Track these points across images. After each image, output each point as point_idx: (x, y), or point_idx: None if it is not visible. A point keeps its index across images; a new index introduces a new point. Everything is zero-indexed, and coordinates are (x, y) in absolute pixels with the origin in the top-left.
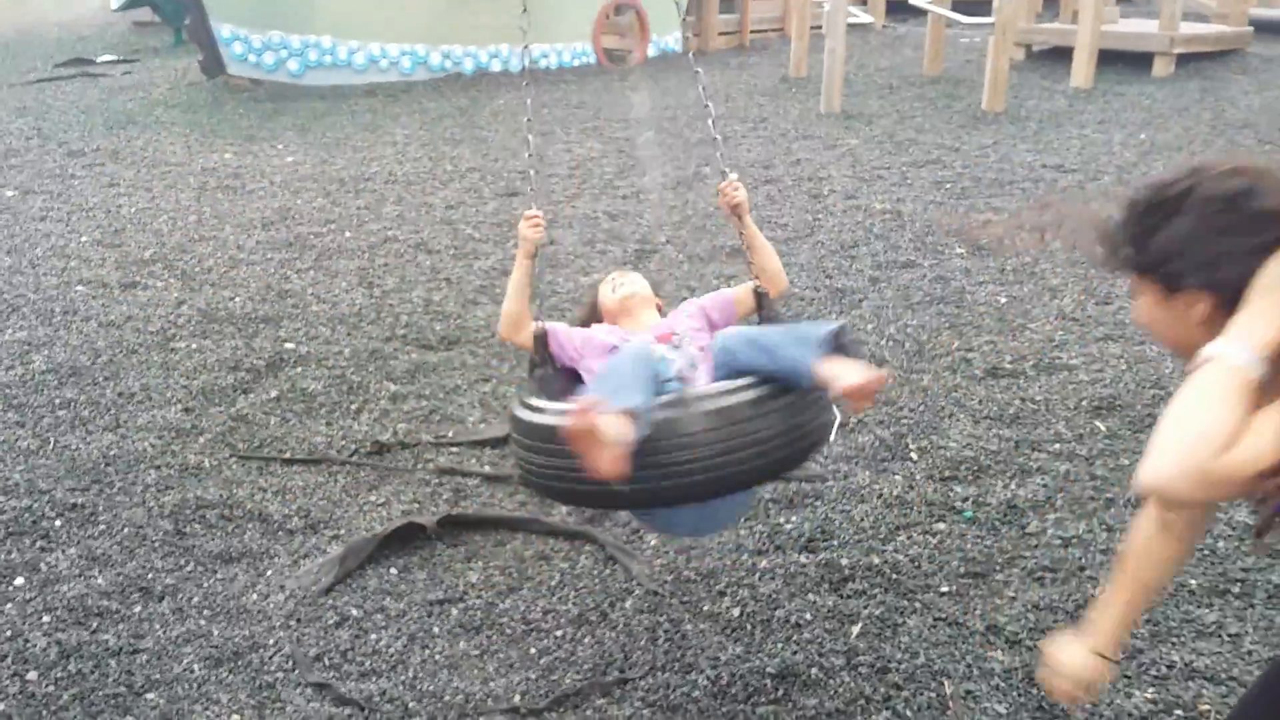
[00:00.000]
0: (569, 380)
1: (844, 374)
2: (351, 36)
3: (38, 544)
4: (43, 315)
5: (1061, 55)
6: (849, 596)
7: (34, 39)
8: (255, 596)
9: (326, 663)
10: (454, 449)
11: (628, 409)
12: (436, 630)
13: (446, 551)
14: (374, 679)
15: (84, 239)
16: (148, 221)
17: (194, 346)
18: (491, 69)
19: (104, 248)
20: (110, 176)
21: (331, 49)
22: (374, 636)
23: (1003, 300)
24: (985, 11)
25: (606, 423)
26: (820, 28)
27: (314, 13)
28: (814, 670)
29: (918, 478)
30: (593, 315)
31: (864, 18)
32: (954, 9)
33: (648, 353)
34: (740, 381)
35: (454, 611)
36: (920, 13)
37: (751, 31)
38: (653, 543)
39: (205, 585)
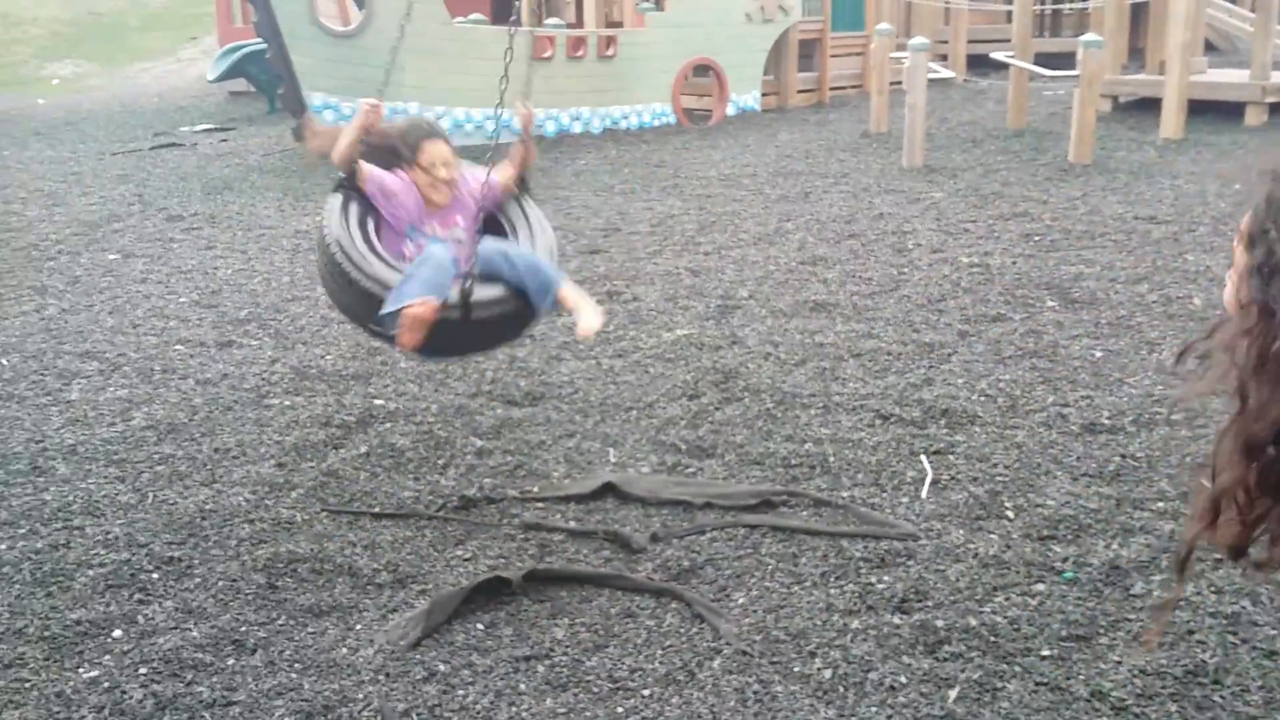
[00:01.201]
0: (365, 205)
1: (585, 310)
2: (436, 102)
3: (135, 596)
4: (143, 373)
5: (1149, 106)
6: (945, 659)
7: (134, 110)
8: (345, 650)
9: (415, 717)
10: (539, 504)
11: (436, 303)
12: (523, 687)
13: (532, 607)
14: None
15: (182, 300)
16: (243, 283)
17: (287, 403)
18: (573, 131)
19: (201, 308)
20: (207, 240)
21: (418, 115)
22: (461, 692)
23: (1098, 354)
24: (1069, 64)
25: (422, 312)
26: (900, 83)
27: (400, 80)
28: None
29: (1014, 536)
30: (391, 147)
31: (944, 73)
32: (1036, 62)
33: (448, 260)
34: (498, 294)
35: (540, 668)
36: (1002, 67)
37: (831, 88)
38: (740, 601)
39: (296, 639)
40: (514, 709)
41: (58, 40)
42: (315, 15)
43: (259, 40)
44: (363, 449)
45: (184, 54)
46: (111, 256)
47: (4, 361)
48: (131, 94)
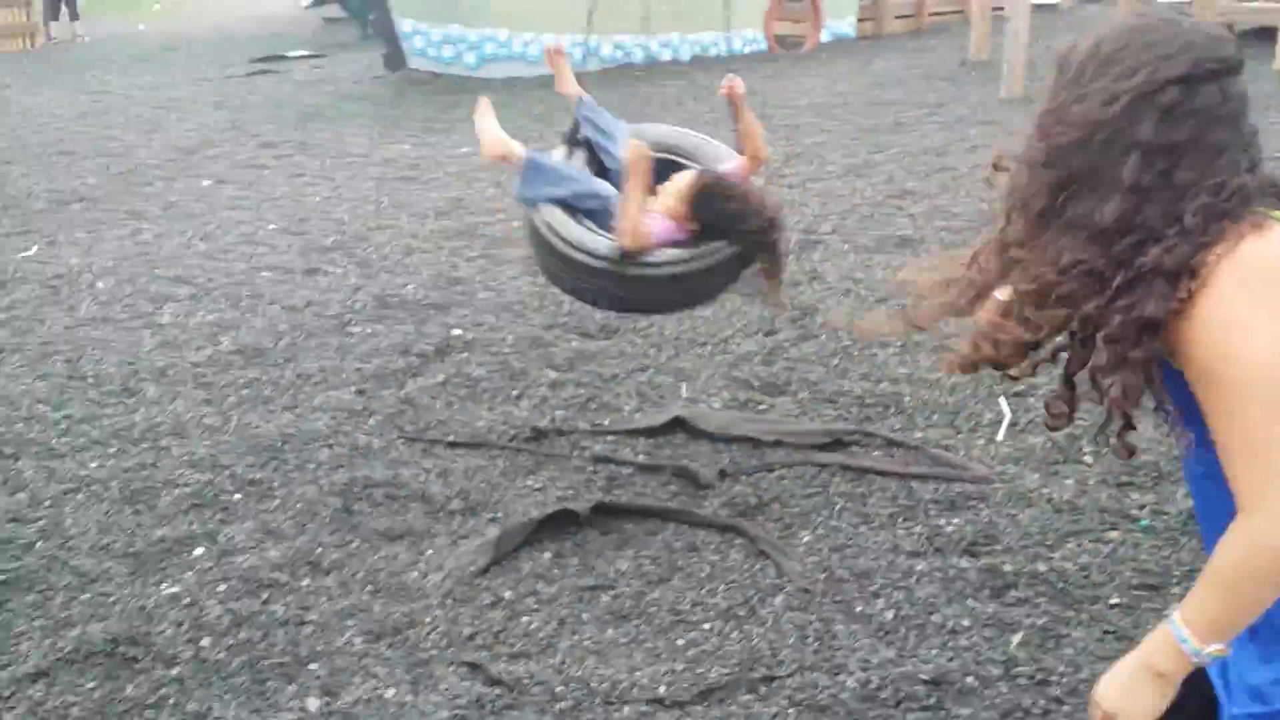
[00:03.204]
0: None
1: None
2: (526, 29)
3: (217, 516)
4: (231, 299)
5: (1267, 35)
6: (1011, 604)
7: (231, 36)
8: (415, 575)
9: (479, 642)
10: (609, 437)
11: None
12: (586, 616)
13: (598, 539)
14: (523, 661)
15: (271, 226)
16: (330, 210)
17: (368, 331)
18: (662, 58)
19: (289, 235)
20: (297, 167)
21: (507, 42)
22: (525, 619)
23: None
24: None
25: None
26: (1002, 9)
27: (490, 6)
28: (969, 679)
29: (1091, 482)
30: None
31: None
32: None
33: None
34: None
35: (604, 599)
36: None
37: (930, 14)
38: (806, 540)
39: (369, 562)
40: (576, 637)
41: None
42: None
43: None
44: (440, 378)
45: None
46: (205, 182)
47: (100, 285)
48: (230, 20)
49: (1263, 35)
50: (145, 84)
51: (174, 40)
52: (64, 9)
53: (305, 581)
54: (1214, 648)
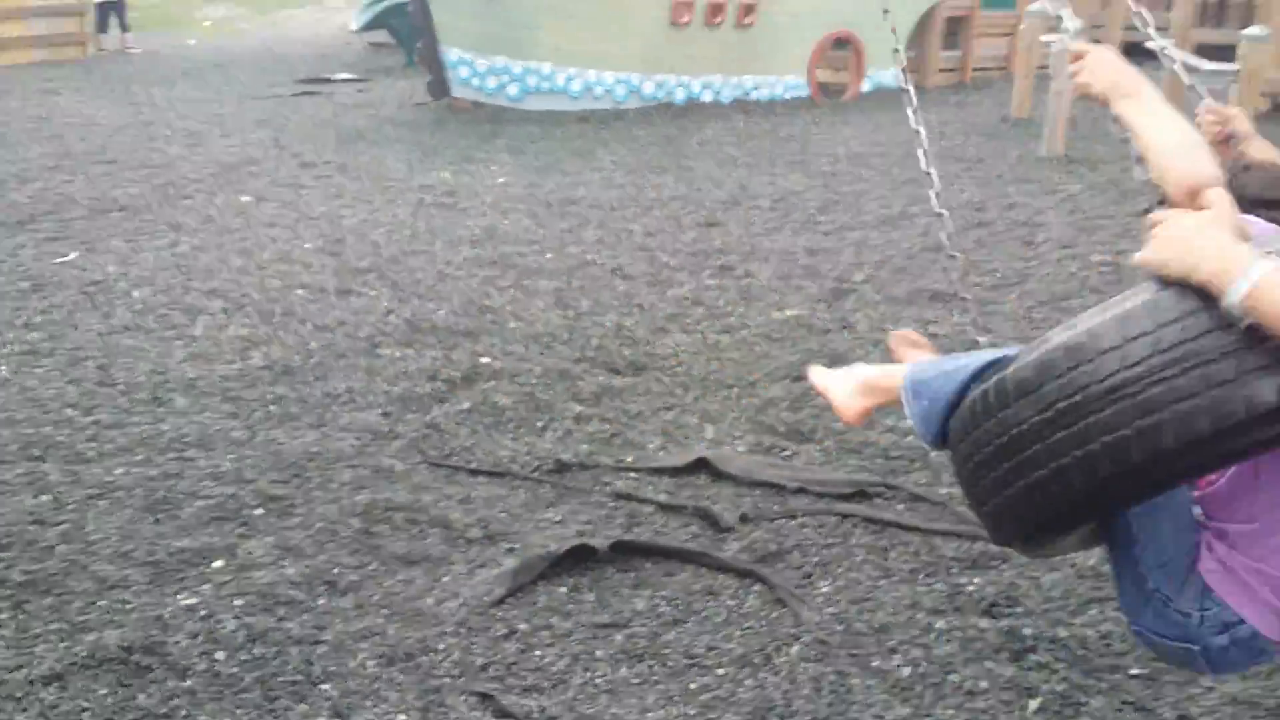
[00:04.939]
0: None
1: None
2: (570, 64)
3: (238, 530)
4: (264, 315)
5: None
6: (1029, 669)
7: (278, 56)
8: (431, 600)
9: (491, 673)
10: (632, 474)
11: None
12: (600, 654)
13: (616, 576)
14: (535, 695)
15: (307, 246)
16: (366, 233)
17: (397, 354)
18: (703, 99)
19: (325, 255)
20: (337, 188)
21: (550, 75)
22: (539, 653)
23: None
24: (1227, 57)
25: None
26: (1047, 68)
27: (536, 40)
28: None
29: None
30: None
31: None
32: (1196, 53)
33: None
34: None
35: (618, 637)
36: (1154, 56)
37: (974, 69)
38: (825, 590)
39: (386, 585)
40: (589, 674)
41: None
42: None
43: None
44: (466, 405)
45: (330, 3)
46: (245, 198)
47: (135, 294)
48: (278, 39)
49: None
50: (191, 98)
51: (222, 57)
52: (114, 20)
53: (321, 601)
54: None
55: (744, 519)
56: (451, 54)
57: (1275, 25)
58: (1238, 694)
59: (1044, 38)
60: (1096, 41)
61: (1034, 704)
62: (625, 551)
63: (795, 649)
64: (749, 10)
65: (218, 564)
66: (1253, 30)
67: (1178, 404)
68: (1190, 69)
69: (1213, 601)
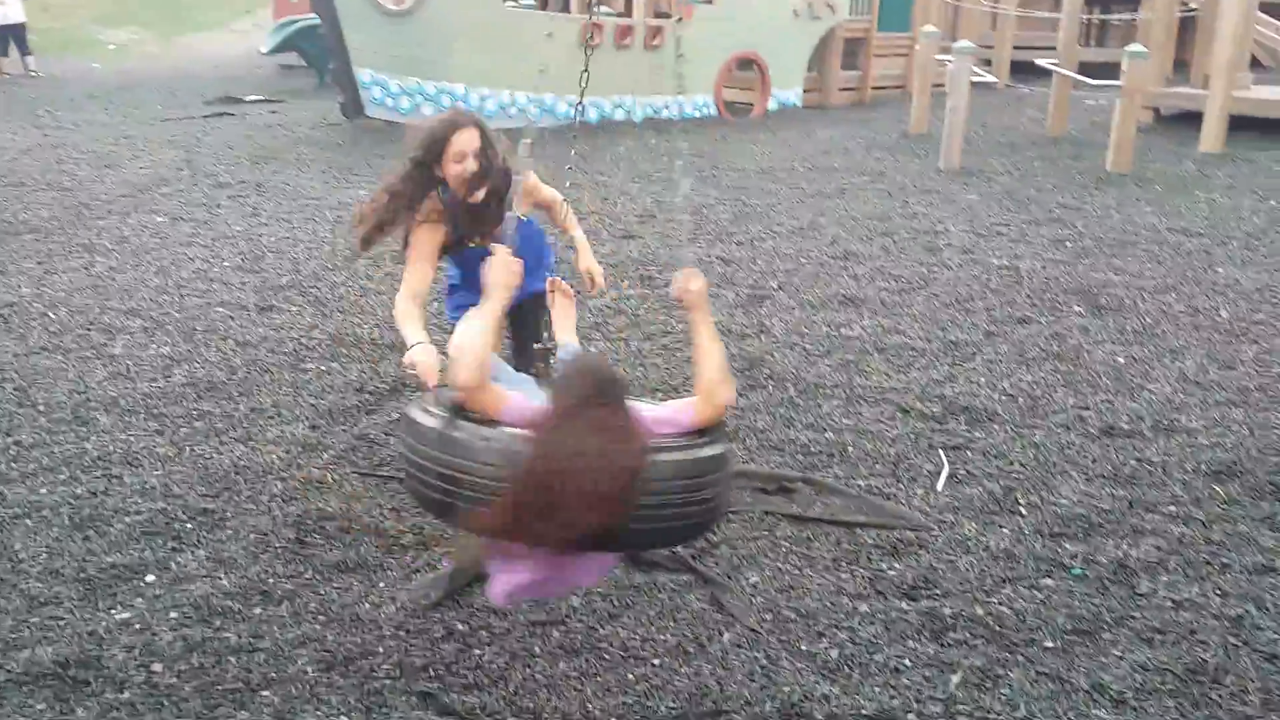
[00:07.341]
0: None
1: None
2: (483, 84)
3: (169, 544)
4: (185, 333)
5: (1191, 120)
6: (950, 645)
7: (187, 78)
8: (368, 606)
9: (432, 673)
10: None
11: None
12: (538, 650)
13: None
14: (476, 692)
15: (226, 264)
16: (286, 250)
17: (323, 368)
18: (615, 118)
19: (244, 273)
20: (253, 207)
21: (464, 96)
22: (478, 652)
23: (1121, 360)
24: (1112, 75)
25: None
26: (943, 85)
27: (449, 62)
28: (911, 716)
29: (1026, 532)
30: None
31: (987, 77)
32: (1080, 72)
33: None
34: None
35: (555, 634)
36: (1044, 74)
37: (873, 88)
38: (753, 580)
39: (322, 593)
40: (528, 670)
41: (117, 7)
42: None
43: (313, 15)
44: (394, 415)
45: (237, 26)
46: (159, 219)
47: (51, 315)
48: (186, 63)
49: (1187, 119)
50: (99, 121)
51: (128, 80)
52: (13, 45)
53: (257, 610)
54: None
55: None
56: (364, 74)
57: (1154, 45)
58: (1146, 661)
59: (938, 57)
60: (987, 62)
61: (955, 679)
62: None
63: (727, 637)
64: (656, 33)
65: (150, 578)
66: (1134, 48)
67: None
68: (1077, 85)
69: None
